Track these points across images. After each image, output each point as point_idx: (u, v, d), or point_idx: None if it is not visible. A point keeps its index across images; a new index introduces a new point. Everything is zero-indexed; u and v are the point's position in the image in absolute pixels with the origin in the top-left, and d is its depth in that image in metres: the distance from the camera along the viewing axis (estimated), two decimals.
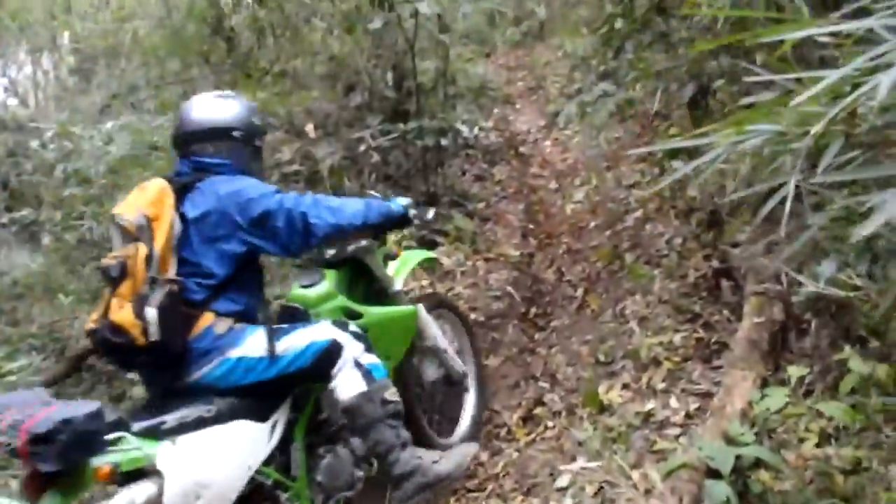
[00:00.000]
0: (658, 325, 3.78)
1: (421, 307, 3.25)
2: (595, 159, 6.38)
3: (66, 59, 13.62)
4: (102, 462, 2.04)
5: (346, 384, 2.58)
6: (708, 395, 3.10)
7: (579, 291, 4.65)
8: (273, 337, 2.54)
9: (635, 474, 2.69)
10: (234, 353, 2.47)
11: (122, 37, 9.79)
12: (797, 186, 1.97)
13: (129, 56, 9.05)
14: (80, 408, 1.99)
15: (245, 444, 2.41)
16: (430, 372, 3.40)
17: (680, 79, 4.22)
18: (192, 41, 7.69)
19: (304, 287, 2.97)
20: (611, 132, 6.55)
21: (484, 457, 3.48)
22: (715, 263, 3.96)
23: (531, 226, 5.79)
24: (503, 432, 3.63)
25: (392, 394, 2.62)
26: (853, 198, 1.15)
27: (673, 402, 3.19)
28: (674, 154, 4.98)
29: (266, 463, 2.48)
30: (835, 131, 1.01)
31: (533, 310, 4.78)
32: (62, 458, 1.91)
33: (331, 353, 2.60)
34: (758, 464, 2.41)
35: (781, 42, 1.30)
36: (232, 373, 2.47)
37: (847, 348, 2.66)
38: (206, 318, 2.48)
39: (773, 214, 4.13)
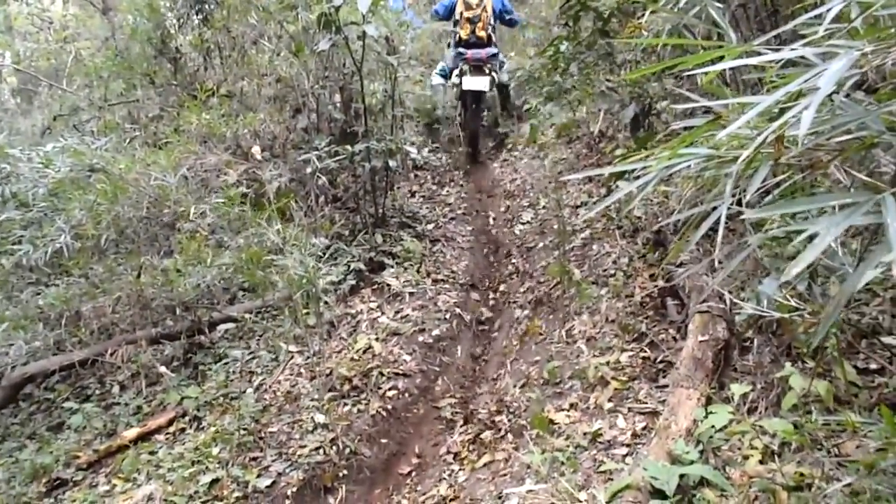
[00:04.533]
0: (605, 344, 3.80)
1: None
2: (543, 180, 6.43)
3: (8, 79, 13.34)
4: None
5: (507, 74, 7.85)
6: (654, 414, 3.11)
7: (527, 312, 4.65)
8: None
9: (582, 495, 2.68)
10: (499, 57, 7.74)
11: (66, 58, 9.64)
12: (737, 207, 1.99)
13: (72, 77, 8.89)
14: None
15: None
16: None
17: (622, 100, 4.28)
18: (136, 62, 7.57)
19: None
20: (558, 153, 6.61)
21: (432, 481, 3.46)
22: (660, 282, 3.99)
23: (481, 247, 5.79)
24: (451, 457, 3.60)
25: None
26: (786, 225, 1.16)
27: (620, 421, 3.19)
28: (620, 174, 5.04)
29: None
30: (764, 154, 1.02)
31: (482, 331, 4.77)
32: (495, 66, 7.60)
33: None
34: (703, 482, 2.41)
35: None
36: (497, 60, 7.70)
37: (788, 365, 2.69)
38: (494, 46, 7.57)
39: (716, 233, 4.19)
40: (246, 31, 7.07)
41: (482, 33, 7.42)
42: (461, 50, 7.41)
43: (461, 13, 7.46)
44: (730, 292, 3.20)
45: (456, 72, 7.53)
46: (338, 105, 6.10)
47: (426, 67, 8.97)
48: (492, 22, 7.50)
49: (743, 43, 3.20)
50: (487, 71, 7.38)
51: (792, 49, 1.05)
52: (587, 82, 4.45)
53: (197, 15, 7.34)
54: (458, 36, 7.53)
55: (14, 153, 5.31)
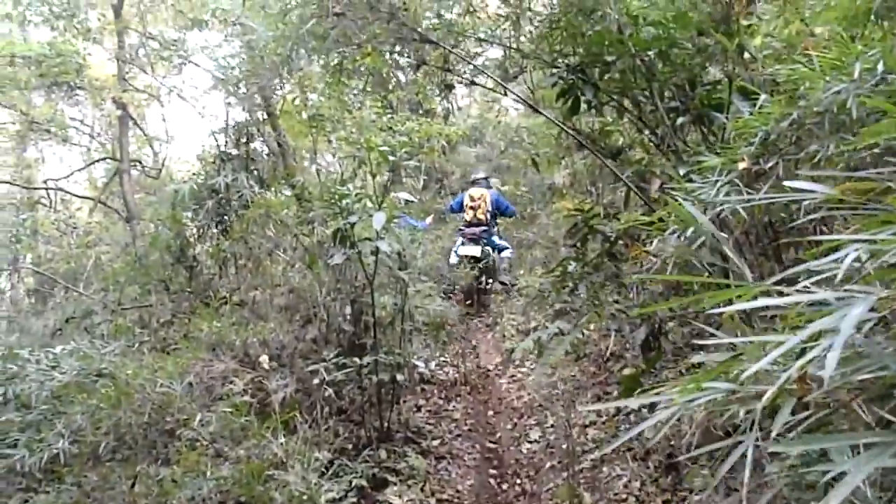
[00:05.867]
0: None
1: None
2: (551, 398, 6.36)
3: (25, 280, 13.67)
4: None
5: (508, 255, 10.81)
6: None
7: None
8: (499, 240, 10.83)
9: None
10: (497, 241, 10.54)
11: (85, 262, 9.93)
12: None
13: (89, 280, 9.10)
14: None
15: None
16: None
17: (632, 321, 4.32)
18: (153, 268, 7.78)
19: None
20: (566, 371, 6.59)
21: None
22: None
23: (487, 466, 5.62)
24: None
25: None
26: (807, 459, 1.14)
27: None
28: (629, 394, 4.99)
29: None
30: (787, 391, 1.02)
31: None
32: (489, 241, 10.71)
33: (505, 248, 10.84)
34: None
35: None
36: (493, 244, 10.46)
37: None
38: (494, 229, 10.68)
39: (730, 459, 4.08)
40: (262, 242, 7.32)
41: (482, 216, 10.29)
42: (462, 228, 10.48)
43: (467, 204, 10.42)
44: None
45: (458, 243, 10.43)
46: (348, 317, 6.17)
47: (435, 281, 9.20)
48: (490, 209, 10.35)
49: (755, 272, 3.25)
50: (480, 243, 10.14)
51: (809, 290, 1.08)
52: (596, 303, 4.52)
53: (217, 227, 7.64)
54: (464, 219, 10.49)
55: (23, 354, 5.33)
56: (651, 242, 4.52)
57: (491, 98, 19.29)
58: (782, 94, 2.82)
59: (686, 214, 2.19)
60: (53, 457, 4.47)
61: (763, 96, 2.77)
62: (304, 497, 3.75)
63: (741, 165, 2.64)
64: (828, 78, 2.45)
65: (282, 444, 3.97)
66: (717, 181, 2.69)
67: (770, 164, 2.62)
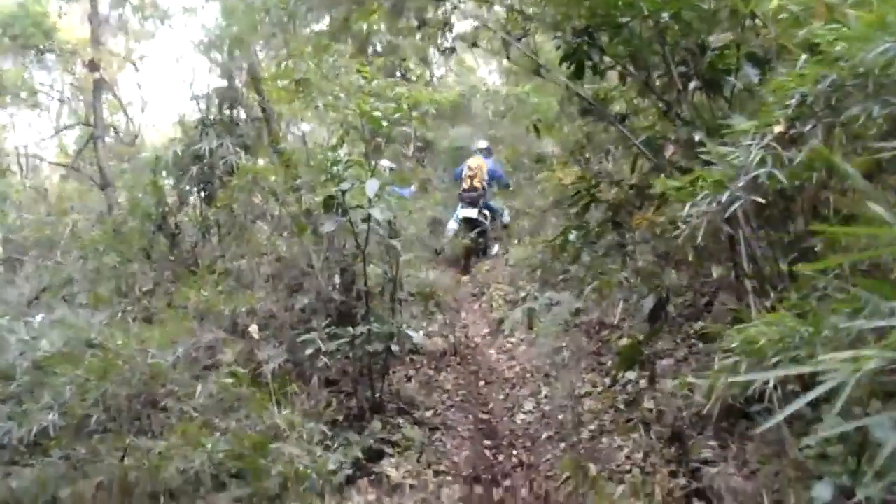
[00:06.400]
0: None
1: None
2: (542, 369, 6.31)
3: None
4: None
5: (506, 217, 11.73)
6: None
7: None
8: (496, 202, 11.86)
9: None
10: (493, 204, 11.54)
11: (61, 229, 9.68)
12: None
13: (67, 249, 8.86)
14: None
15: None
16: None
17: (639, 290, 4.25)
18: (132, 236, 7.57)
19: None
20: (557, 341, 6.52)
21: None
22: (682, 481, 3.79)
23: (481, 437, 5.56)
24: None
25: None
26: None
27: None
28: (629, 366, 4.94)
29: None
30: None
31: None
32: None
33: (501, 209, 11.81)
34: None
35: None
36: (490, 207, 11.51)
37: None
38: (490, 195, 11.51)
39: (738, 429, 4.03)
40: (247, 209, 7.15)
41: (478, 184, 11.27)
42: (461, 194, 11.38)
43: (466, 174, 11.42)
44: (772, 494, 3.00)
45: (458, 207, 11.35)
46: (337, 286, 6.05)
47: (421, 250, 9.08)
48: (485, 177, 11.31)
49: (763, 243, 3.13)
50: (478, 205, 11.17)
51: None
52: (601, 272, 4.45)
53: (200, 193, 7.44)
54: (462, 187, 11.42)
55: (2, 323, 5.14)
56: (651, 210, 4.45)
57: (468, 67, 19.12)
58: (816, 55, 2.71)
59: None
60: (43, 430, 4.32)
61: (803, 56, 2.66)
62: (308, 470, 3.64)
63: (776, 129, 2.54)
64: (873, 36, 2.35)
65: (285, 414, 3.86)
66: (749, 145, 2.59)
67: (808, 128, 2.53)
